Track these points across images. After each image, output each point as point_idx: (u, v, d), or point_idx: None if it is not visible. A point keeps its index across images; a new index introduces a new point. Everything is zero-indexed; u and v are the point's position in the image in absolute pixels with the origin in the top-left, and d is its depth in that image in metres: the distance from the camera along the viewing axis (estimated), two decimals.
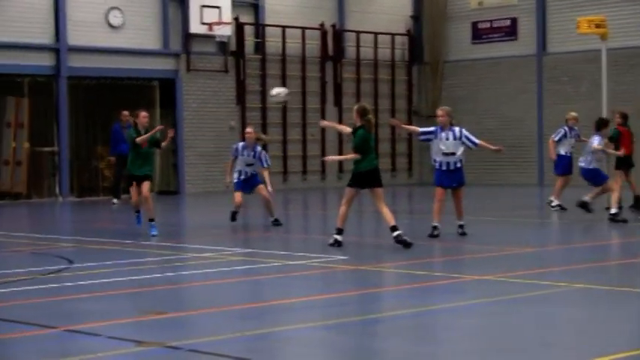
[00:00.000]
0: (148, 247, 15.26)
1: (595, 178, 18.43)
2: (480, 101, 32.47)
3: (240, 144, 18.73)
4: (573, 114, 21.06)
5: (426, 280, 11.65)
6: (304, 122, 31.45)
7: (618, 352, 7.63)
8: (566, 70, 30.92)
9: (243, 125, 30.16)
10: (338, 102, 32.18)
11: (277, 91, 16.90)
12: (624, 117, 20.15)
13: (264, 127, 30.64)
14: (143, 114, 17.09)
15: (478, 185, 30.25)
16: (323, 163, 31.73)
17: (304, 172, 31.56)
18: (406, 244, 14.24)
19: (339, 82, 32.25)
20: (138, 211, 17.44)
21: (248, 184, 18.65)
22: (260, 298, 10.65)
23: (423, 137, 16.15)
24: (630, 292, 10.63)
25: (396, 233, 14.33)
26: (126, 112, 24.89)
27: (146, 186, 16.87)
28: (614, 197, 18.47)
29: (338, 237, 14.61)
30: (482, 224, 18.20)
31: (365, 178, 14.58)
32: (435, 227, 15.86)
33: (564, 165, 20.58)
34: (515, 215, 19.97)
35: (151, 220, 16.80)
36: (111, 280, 11.77)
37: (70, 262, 13.31)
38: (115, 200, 24.95)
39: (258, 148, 18.76)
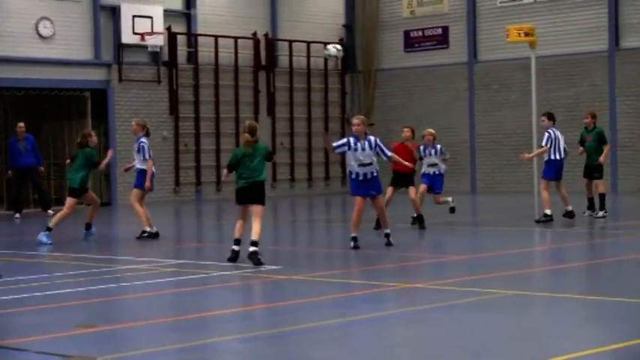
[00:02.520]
0: (79, 260, 15.09)
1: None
2: (412, 109, 32.67)
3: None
4: (429, 130, 19.83)
5: (358, 289, 11.66)
6: (237, 132, 31.32)
7: (548, 357, 7.70)
8: (497, 78, 31.24)
9: (177, 135, 30.05)
10: (271, 111, 32.18)
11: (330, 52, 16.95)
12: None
13: (197, 137, 30.52)
14: (94, 134, 18.69)
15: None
16: None
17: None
18: (257, 262, 13.66)
19: (272, 91, 32.23)
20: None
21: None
22: (192, 310, 10.58)
23: (338, 150, 15.83)
24: (561, 297, 10.74)
25: (252, 249, 13.76)
26: (21, 124, 24.66)
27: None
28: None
29: (236, 247, 14.13)
30: (416, 232, 18.29)
31: (241, 195, 14.28)
32: (354, 238, 15.54)
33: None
34: (447, 223, 20.09)
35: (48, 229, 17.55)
36: (41, 293, 11.61)
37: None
38: (17, 215, 24.56)
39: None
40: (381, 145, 15.73)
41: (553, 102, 28.82)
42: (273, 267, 13.51)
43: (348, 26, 34.24)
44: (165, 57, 29.79)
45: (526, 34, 20.77)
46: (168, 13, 29.54)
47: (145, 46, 28.93)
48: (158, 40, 29.03)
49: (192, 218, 25.34)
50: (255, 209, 14.15)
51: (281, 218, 24.36)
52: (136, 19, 28.55)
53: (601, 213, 20.45)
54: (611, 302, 10.40)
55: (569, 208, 19.62)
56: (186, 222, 24.48)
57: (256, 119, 31.64)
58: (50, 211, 24.66)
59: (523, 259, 14.55)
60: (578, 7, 29.71)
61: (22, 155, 24.42)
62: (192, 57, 30.55)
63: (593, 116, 21.13)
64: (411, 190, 18.71)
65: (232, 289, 12.00)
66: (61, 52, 27.85)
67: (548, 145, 19.61)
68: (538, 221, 19.44)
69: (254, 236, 13.78)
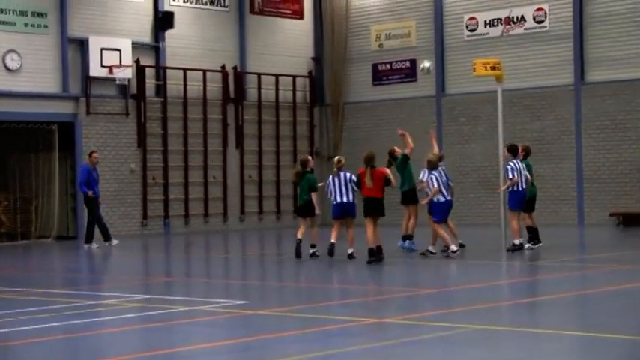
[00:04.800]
0: (46, 296, 14.95)
1: None
2: (380, 142, 32.65)
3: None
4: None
5: (326, 324, 11.61)
6: (206, 165, 31.31)
7: None
8: (465, 111, 31.40)
9: (145, 168, 29.93)
10: (240, 144, 32.15)
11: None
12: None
13: (165, 170, 30.43)
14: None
15: (386, 226, 30.39)
16: (225, 206, 31.60)
17: (206, 214, 31.36)
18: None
19: (241, 124, 32.22)
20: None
21: None
22: (160, 346, 10.50)
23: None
24: (530, 331, 10.75)
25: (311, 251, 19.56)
26: (97, 154, 25.17)
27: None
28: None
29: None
30: (385, 265, 18.26)
31: (299, 210, 20.42)
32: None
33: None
34: (415, 256, 20.11)
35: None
36: (4, 330, 11.49)
37: None
38: (95, 244, 24.68)
39: None
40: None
41: (520, 135, 28.98)
42: (240, 302, 13.46)
43: (317, 59, 34.35)
44: (134, 90, 29.73)
45: (492, 68, 20.93)
46: (136, 46, 29.52)
47: (113, 79, 28.87)
48: (126, 73, 28.99)
49: (159, 252, 25.23)
50: (309, 220, 19.87)
51: (249, 251, 24.29)
52: (104, 51, 28.52)
53: (527, 245, 20.53)
54: (580, 336, 10.43)
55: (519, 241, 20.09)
56: (154, 256, 24.37)
57: (224, 152, 31.67)
58: (115, 240, 25.19)
59: (491, 292, 14.57)
60: (544, 41, 29.97)
61: (96, 185, 24.85)
62: (161, 90, 30.52)
63: (523, 150, 21.09)
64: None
65: (199, 325, 11.92)
66: (28, 84, 27.74)
67: (516, 177, 19.94)
68: (509, 250, 19.77)
69: (313, 239, 19.77)
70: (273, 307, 13.11)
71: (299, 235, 19.78)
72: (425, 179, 19.80)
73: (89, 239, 24.80)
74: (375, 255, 18.33)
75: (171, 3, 30.74)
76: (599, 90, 29.04)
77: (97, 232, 24.94)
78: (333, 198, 19.26)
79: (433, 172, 19.50)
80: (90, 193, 24.66)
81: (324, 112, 34.42)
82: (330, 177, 19.45)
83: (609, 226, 28.03)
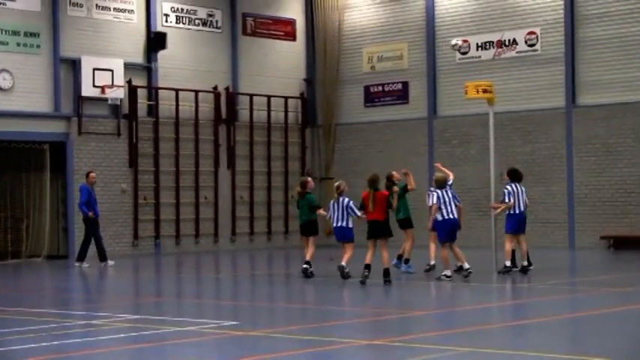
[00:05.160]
0: (33, 315, 14.88)
1: None
2: (372, 164, 32.68)
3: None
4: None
5: (318, 345, 11.59)
6: (197, 185, 31.29)
7: None
8: (457, 133, 31.45)
9: (136, 188, 29.90)
10: (231, 164, 32.15)
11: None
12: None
13: (156, 191, 30.39)
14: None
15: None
16: (216, 227, 31.56)
17: (197, 235, 31.32)
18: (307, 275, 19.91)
19: (233, 144, 32.23)
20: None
21: None
22: None
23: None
24: (518, 354, 10.74)
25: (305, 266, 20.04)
26: (93, 174, 25.38)
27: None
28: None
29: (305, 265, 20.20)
30: (377, 287, 18.25)
31: (301, 229, 21.08)
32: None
33: None
34: (407, 278, 20.09)
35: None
36: None
37: None
38: (85, 264, 24.62)
39: None
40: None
41: (511, 157, 29.03)
42: (231, 322, 13.42)
43: (309, 80, 34.40)
44: (126, 110, 29.72)
45: (484, 91, 20.97)
46: (128, 67, 29.52)
47: (106, 99, 28.85)
48: (118, 93, 28.99)
49: (150, 272, 25.17)
50: (310, 239, 20.47)
51: (240, 272, 24.25)
52: (96, 72, 28.52)
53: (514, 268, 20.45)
54: (571, 359, 10.42)
55: (524, 263, 20.14)
56: (145, 276, 24.31)
57: (216, 172, 31.65)
58: (111, 262, 25.08)
59: (482, 315, 14.56)
60: (536, 64, 30.07)
61: (95, 204, 25.02)
62: (153, 110, 30.51)
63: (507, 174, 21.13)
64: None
65: (189, 346, 11.88)
66: (20, 104, 27.72)
67: (512, 201, 20.07)
68: (500, 272, 19.83)
69: (308, 257, 20.24)
70: (265, 328, 13.08)
71: (307, 258, 20.37)
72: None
73: (81, 258, 24.75)
74: (384, 277, 18.46)
75: (164, 24, 30.80)
76: (590, 113, 29.12)
77: (90, 252, 24.93)
78: (332, 221, 19.82)
79: (436, 190, 19.62)
80: (90, 213, 24.71)
81: (315, 133, 34.45)
82: (332, 202, 19.86)
83: (600, 249, 28.04)
